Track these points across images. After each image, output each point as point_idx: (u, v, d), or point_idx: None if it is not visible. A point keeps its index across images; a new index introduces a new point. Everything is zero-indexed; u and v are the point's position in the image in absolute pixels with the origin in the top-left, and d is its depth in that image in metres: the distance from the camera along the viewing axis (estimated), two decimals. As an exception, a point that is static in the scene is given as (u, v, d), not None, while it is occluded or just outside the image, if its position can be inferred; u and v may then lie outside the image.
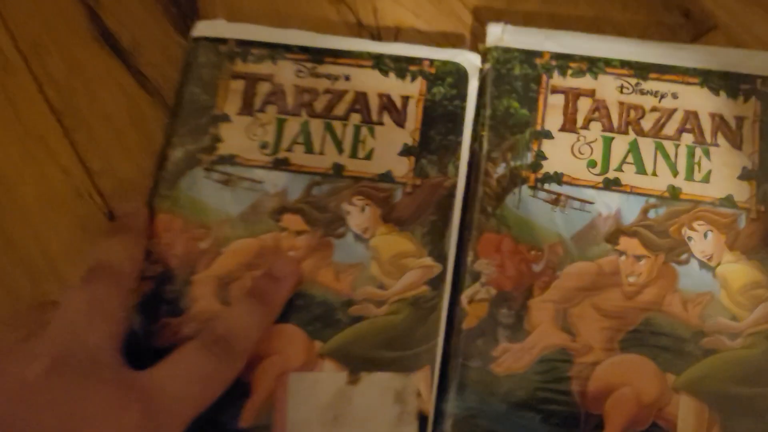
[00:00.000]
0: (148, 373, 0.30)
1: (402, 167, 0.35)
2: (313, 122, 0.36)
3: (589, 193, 0.35)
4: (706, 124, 0.35)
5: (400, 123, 0.36)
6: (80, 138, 0.40)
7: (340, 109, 0.36)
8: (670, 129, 0.35)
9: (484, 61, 0.37)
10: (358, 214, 0.35)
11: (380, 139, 0.36)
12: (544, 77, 0.36)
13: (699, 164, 0.35)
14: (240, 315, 0.33)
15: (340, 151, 0.36)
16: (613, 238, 0.34)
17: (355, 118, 0.36)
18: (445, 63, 0.37)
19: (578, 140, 0.35)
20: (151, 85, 0.40)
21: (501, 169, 0.35)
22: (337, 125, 0.36)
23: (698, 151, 0.35)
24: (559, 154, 0.35)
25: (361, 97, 0.36)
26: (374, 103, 0.36)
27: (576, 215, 0.34)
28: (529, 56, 0.37)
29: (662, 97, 0.36)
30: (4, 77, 0.41)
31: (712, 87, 0.36)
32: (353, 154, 0.35)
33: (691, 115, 0.35)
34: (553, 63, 0.36)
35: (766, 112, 0.35)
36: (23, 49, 0.42)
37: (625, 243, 0.34)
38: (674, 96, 0.36)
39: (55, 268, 0.38)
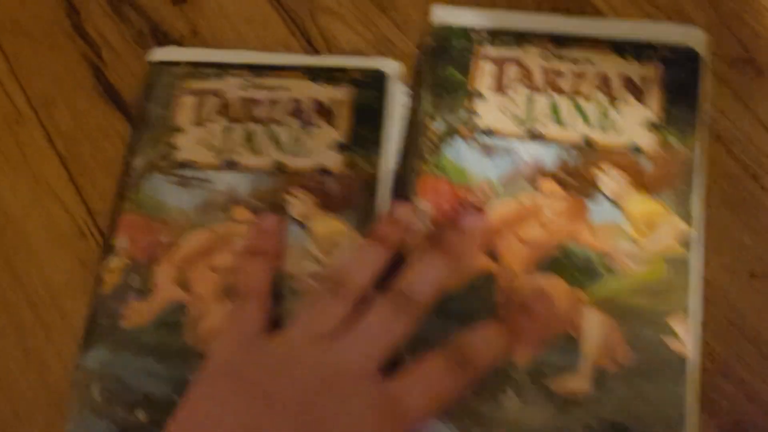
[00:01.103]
0: (397, 383, 0.34)
1: (334, 161, 0.41)
2: (256, 127, 0.42)
3: (514, 144, 0.40)
4: (616, 84, 0.41)
5: (333, 123, 0.42)
6: (84, 182, 0.44)
7: (279, 115, 0.42)
8: (585, 89, 0.41)
9: (429, 36, 0.43)
10: (297, 204, 0.40)
11: (315, 138, 0.42)
12: (477, 47, 0.42)
13: (609, 118, 0.40)
14: (486, 337, 0.36)
15: (281, 150, 0.41)
16: (533, 180, 0.40)
17: (292, 122, 0.42)
18: (368, 70, 0.43)
19: (505, 99, 0.41)
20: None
21: (439, 125, 0.41)
22: (276, 129, 0.42)
23: (609, 107, 0.41)
24: (490, 111, 0.41)
25: (296, 103, 0.42)
26: (309, 107, 0.42)
27: (503, 162, 0.40)
28: (465, 31, 0.43)
29: (578, 61, 0.41)
30: (16, 128, 0.46)
31: (621, 53, 0.41)
32: (291, 153, 0.41)
33: (603, 77, 0.41)
34: (486, 36, 0.42)
35: (668, 72, 0.41)
36: (34, 104, 0.47)
37: (545, 184, 0.40)
38: (589, 61, 0.41)
39: (56, 300, 0.42)
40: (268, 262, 0.39)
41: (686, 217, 0.38)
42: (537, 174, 0.40)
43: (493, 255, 0.39)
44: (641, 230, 0.38)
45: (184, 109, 0.43)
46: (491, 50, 0.42)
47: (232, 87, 0.43)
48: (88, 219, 0.44)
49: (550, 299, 0.37)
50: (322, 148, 0.41)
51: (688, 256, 0.38)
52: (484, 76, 0.42)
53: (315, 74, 0.43)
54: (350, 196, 0.40)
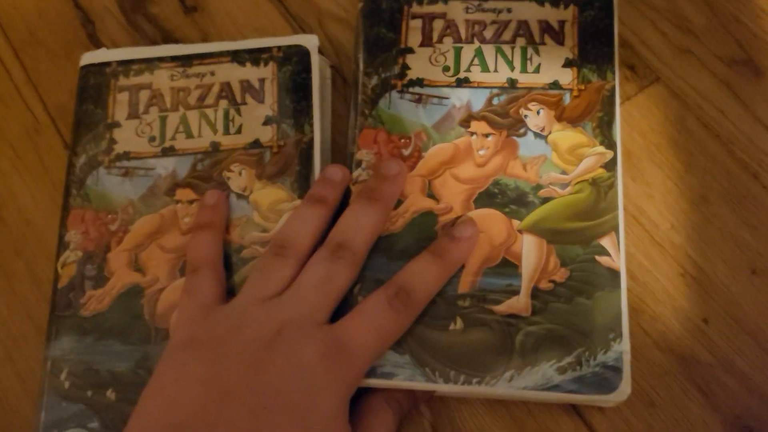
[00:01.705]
0: (340, 325, 0.36)
1: (267, 134, 0.43)
2: (190, 113, 0.44)
3: (444, 91, 0.43)
4: (535, 29, 0.44)
5: (261, 100, 0.44)
6: None
7: (210, 99, 0.44)
8: (507, 35, 0.44)
9: (360, 0, 0.46)
10: (237, 178, 0.43)
11: (246, 115, 0.44)
12: (405, 7, 0.45)
13: (531, 60, 0.43)
14: (419, 269, 0.38)
15: (215, 131, 0.44)
16: (465, 122, 0.42)
17: (223, 103, 0.44)
18: (289, 47, 0.45)
19: (434, 52, 0.44)
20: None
21: (374, 80, 0.43)
22: (209, 112, 0.44)
23: (530, 50, 0.43)
24: (420, 64, 0.44)
25: (226, 86, 0.45)
26: (237, 88, 0.44)
27: (435, 109, 0.43)
28: (394, -8, 0.45)
29: (499, 11, 0.44)
30: (35, 137, 0.48)
31: (539, 0, 0.44)
32: (226, 131, 0.44)
33: (523, 23, 0.44)
34: (416, -5, 0.45)
35: (583, 14, 0.44)
36: (51, 112, 0.48)
37: (475, 125, 0.42)
38: (509, 10, 0.44)
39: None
40: (215, 234, 0.41)
41: (609, 144, 0.41)
42: (468, 117, 0.42)
43: (432, 194, 0.41)
44: (568, 159, 0.41)
45: (119, 105, 0.45)
46: (418, 8, 0.45)
47: (163, 79, 0.45)
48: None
49: (473, 224, 0.40)
50: (253, 124, 0.44)
51: (613, 178, 0.40)
52: (414, 32, 0.44)
53: (240, 57, 0.45)
54: (286, 164, 0.43)
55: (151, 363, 0.39)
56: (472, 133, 0.42)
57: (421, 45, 0.44)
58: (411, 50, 0.44)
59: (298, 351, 0.35)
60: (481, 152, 0.42)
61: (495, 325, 0.38)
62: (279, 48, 0.45)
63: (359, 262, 0.38)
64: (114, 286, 0.41)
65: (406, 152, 0.42)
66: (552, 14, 0.44)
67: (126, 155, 0.44)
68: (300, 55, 0.45)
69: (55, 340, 0.40)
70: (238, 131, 0.44)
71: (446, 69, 0.43)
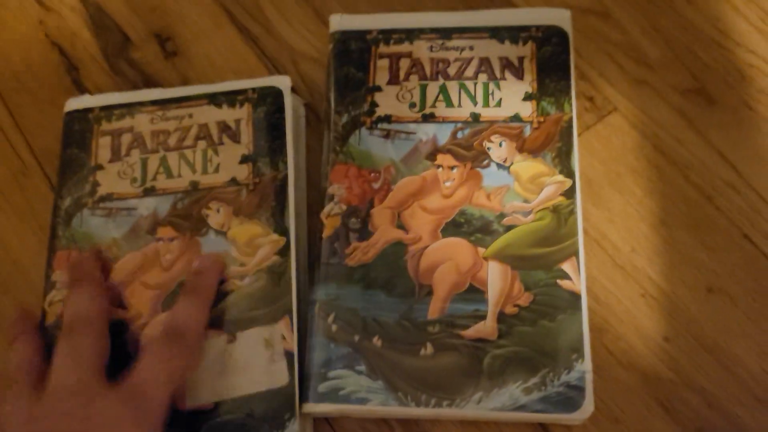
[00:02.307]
0: (132, 373, 0.38)
1: (243, 172, 0.45)
2: (170, 155, 0.46)
3: (411, 126, 0.45)
4: (496, 65, 0.46)
5: (237, 140, 0.46)
6: None
7: (189, 140, 0.46)
8: (470, 72, 0.46)
9: (330, 42, 0.48)
10: (215, 215, 0.44)
11: (223, 155, 0.46)
12: (373, 48, 0.47)
13: (492, 95, 0.45)
14: (182, 309, 0.41)
15: (194, 171, 0.45)
16: (431, 156, 0.44)
17: (202, 144, 0.46)
18: (263, 88, 0.47)
19: (401, 89, 0.46)
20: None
21: (345, 118, 0.46)
22: (188, 153, 0.46)
23: (491, 85, 0.45)
24: (388, 101, 0.46)
25: (203, 128, 0.46)
26: (214, 129, 0.46)
27: (403, 143, 0.45)
28: (361, 34, 0.47)
29: (462, 50, 0.46)
30: (22, 179, 0.49)
31: (499, 38, 0.46)
32: (204, 171, 0.45)
33: (485, 60, 0.46)
34: (380, 36, 0.47)
35: (540, 50, 0.46)
36: (38, 156, 0.50)
37: (441, 158, 0.44)
38: (471, 48, 0.46)
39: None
40: (91, 290, 0.42)
41: (568, 173, 0.43)
42: (434, 150, 0.44)
43: (401, 225, 0.43)
44: (529, 188, 0.43)
45: (102, 149, 0.47)
46: (385, 48, 0.47)
47: (143, 123, 0.47)
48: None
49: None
50: (230, 163, 0.46)
51: (573, 205, 0.42)
52: (381, 71, 0.47)
53: (217, 100, 0.47)
54: (262, 200, 0.44)
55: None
56: (438, 166, 0.44)
57: (389, 83, 0.46)
58: (379, 88, 0.46)
59: (98, 417, 0.37)
60: (447, 184, 0.44)
61: (463, 349, 0.40)
62: (254, 90, 0.47)
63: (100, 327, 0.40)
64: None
65: (376, 185, 0.44)
66: (512, 51, 0.46)
67: (109, 197, 0.45)
68: (273, 96, 0.47)
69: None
70: (216, 170, 0.45)
71: (413, 105, 0.45)
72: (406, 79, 0.46)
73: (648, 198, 0.45)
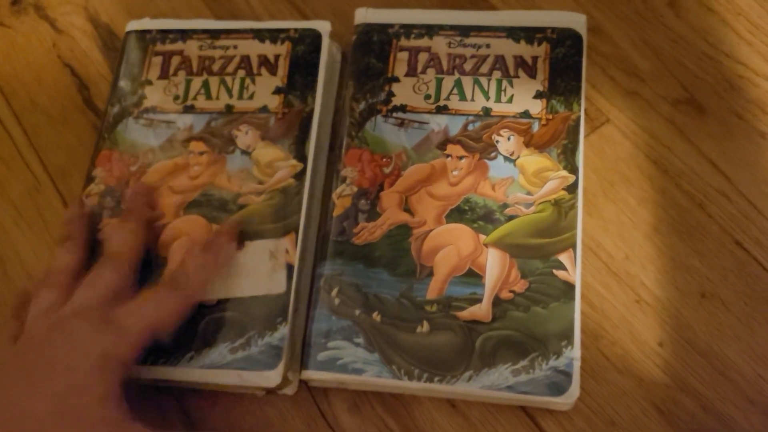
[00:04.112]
0: (118, 308, 0.40)
1: (274, 102, 0.49)
2: (211, 79, 0.50)
3: (425, 117, 0.47)
4: (510, 63, 0.48)
5: (273, 72, 0.50)
6: None
7: (230, 68, 0.50)
8: (484, 69, 0.48)
9: (354, 34, 0.50)
10: (243, 137, 0.48)
11: (259, 84, 0.50)
12: (394, 41, 0.49)
13: (505, 91, 0.47)
14: (194, 266, 0.43)
15: (231, 95, 0.50)
16: (442, 145, 0.46)
17: (241, 73, 0.50)
18: (305, 29, 0.51)
19: (418, 81, 0.48)
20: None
21: (362, 105, 0.48)
22: (228, 79, 0.50)
23: (504, 82, 0.47)
24: (404, 92, 0.48)
25: (245, 59, 0.51)
26: (255, 61, 0.50)
27: (415, 132, 0.47)
28: (383, 27, 0.50)
29: (479, 47, 0.48)
30: (36, 195, 0.51)
31: (515, 38, 0.48)
32: (240, 97, 0.49)
33: (500, 58, 0.48)
34: (401, 30, 0.50)
35: (554, 51, 0.48)
36: (51, 173, 0.52)
37: (451, 148, 0.46)
38: (487, 46, 0.48)
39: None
40: (136, 227, 0.45)
41: (571, 169, 0.45)
42: (445, 140, 0.46)
43: (408, 209, 0.45)
44: (533, 182, 0.45)
45: (153, 67, 0.51)
46: (406, 42, 0.49)
47: (193, 48, 0.52)
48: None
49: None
50: (264, 93, 0.50)
51: (574, 200, 0.44)
52: (400, 63, 0.49)
53: (261, 35, 0.51)
54: (288, 129, 0.48)
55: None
56: (447, 155, 0.46)
57: (407, 75, 0.48)
58: (397, 79, 0.48)
59: (76, 334, 0.39)
60: (455, 173, 0.45)
61: (458, 329, 0.42)
62: (296, 30, 0.51)
63: (125, 266, 0.43)
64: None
65: (387, 170, 0.46)
66: (526, 50, 0.48)
67: (153, 109, 0.50)
68: (313, 38, 0.50)
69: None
70: (251, 97, 0.49)
71: (428, 97, 0.48)
72: (424, 72, 0.48)
73: (641, 206, 0.46)
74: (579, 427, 0.42)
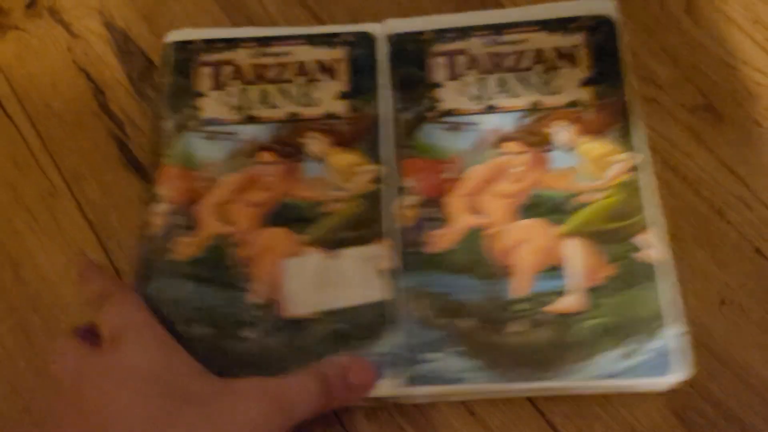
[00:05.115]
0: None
1: (341, 107, 0.48)
2: (269, 87, 0.49)
3: (475, 118, 0.47)
4: (550, 55, 0.48)
5: (334, 77, 0.49)
6: (112, 246, 0.49)
7: (288, 75, 0.49)
8: (525, 63, 0.48)
9: (387, 45, 0.50)
10: (313, 144, 0.47)
11: (321, 90, 0.49)
12: (429, 47, 0.49)
13: (550, 83, 0.47)
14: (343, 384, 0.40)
15: (293, 103, 0.48)
16: (497, 144, 0.46)
17: (300, 79, 0.49)
18: (358, 33, 0.50)
19: (461, 84, 0.48)
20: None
21: (409, 115, 0.47)
22: (287, 86, 0.49)
23: (548, 74, 0.48)
24: (449, 96, 0.48)
25: (302, 65, 0.49)
26: (312, 67, 0.49)
27: (468, 134, 0.46)
28: (415, 35, 0.49)
29: (515, 43, 0.49)
30: (51, 201, 0.50)
31: (550, 30, 0.49)
32: (303, 104, 0.48)
33: (539, 52, 0.48)
34: (434, 36, 0.49)
35: (592, 36, 0.48)
36: (66, 178, 0.51)
37: (507, 146, 0.46)
38: (524, 41, 0.49)
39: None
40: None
41: (631, 149, 0.45)
42: (500, 139, 0.46)
43: (478, 212, 0.45)
44: (596, 168, 0.45)
45: (203, 78, 0.50)
46: (441, 46, 0.49)
47: (244, 57, 0.50)
48: (116, 278, 0.47)
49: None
50: (328, 98, 0.48)
51: (638, 178, 0.44)
52: (439, 68, 0.48)
53: (314, 40, 0.50)
54: (358, 134, 0.47)
55: None
56: (505, 153, 0.46)
57: (449, 79, 0.48)
58: (439, 85, 0.48)
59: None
60: (516, 169, 0.45)
61: (552, 323, 0.41)
62: (348, 33, 0.50)
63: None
64: (203, 234, 0.45)
65: (447, 176, 0.45)
66: (564, 41, 0.48)
67: (211, 121, 0.48)
68: (367, 40, 0.50)
69: (150, 281, 0.43)
70: (315, 104, 0.48)
71: (474, 98, 0.47)
72: (465, 74, 0.48)
73: (660, 214, 0.46)
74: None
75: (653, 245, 0.43)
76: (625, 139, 0.45)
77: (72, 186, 0.51)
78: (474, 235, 0.44)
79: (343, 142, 0.47)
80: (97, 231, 0.49)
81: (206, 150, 0.47)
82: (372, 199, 0.45)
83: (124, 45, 0.55)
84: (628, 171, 0.44)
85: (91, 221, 0.49)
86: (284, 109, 0.48)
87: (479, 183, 0.45)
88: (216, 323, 0.42)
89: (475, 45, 0.49)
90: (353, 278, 0.43)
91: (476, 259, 0.43)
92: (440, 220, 0.45)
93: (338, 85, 0.49)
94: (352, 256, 0.44)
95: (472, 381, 0.41)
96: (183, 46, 0.51)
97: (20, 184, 0.51)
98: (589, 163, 0.45)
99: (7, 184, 0.51)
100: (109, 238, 0.49)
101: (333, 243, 0.44)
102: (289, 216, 0.45)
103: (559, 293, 0.42)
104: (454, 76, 0.48)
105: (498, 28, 0.49)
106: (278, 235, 0.44)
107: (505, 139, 0.46)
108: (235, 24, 0.54)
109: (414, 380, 0.41)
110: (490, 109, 0.47)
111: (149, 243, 0.45)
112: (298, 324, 0.42)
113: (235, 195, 0.46)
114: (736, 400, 0.42)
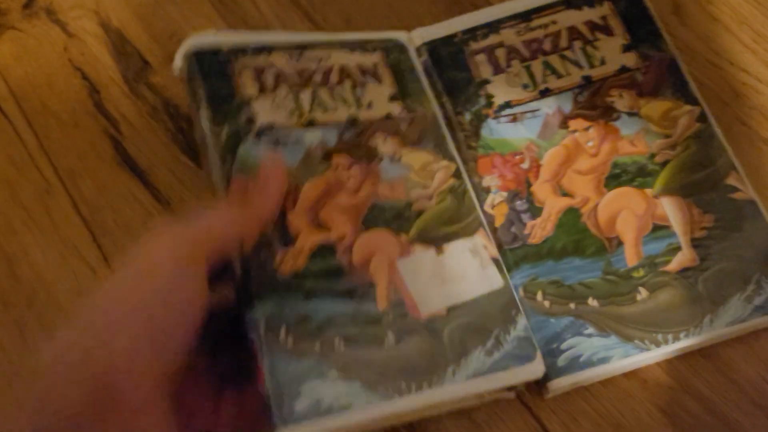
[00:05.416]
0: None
1: (396, 108, 0.47)
2: (321, 90, 0.46)
3: (533, 105, 0.47)
4: (584, 30, 0.49)
5: (379, 80, 0.47)
6: (106, 243, 0.48)
7: (334, 79, 0.47)
8: (563, 43, 0.48)
9: (419, 55, 0.49)
10: (384, 145, 0.45)
11: (372, 93, 0.47)
12: (464, 47, 0.49)
13: (593, 56, 0.48)
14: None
15: (349, 106, 0.46)
16: (563, 124, 0.46)
17: (348, 83, 0.47)
18: (386, 40, 0.49)
19: (509, 75, 0.48)
20: (162, 197, 0.49)
21: (467, 116, 0.47)
22: (339, 89, 0.47)
23: (589, 48, 0.48)
24: (501, 89, 0.48)
25: (344, 69, 0.47)
26: (355, 71, 0.47)
27: (532, 122, 0.47)
28: (447, 39, 0.49)
29: (546, 26, 0.49)
30: (46, 198, 0.50)
31: (575, 6, 0.49)
32: (359, 106, 0.46)
33: (571, 29, 0.49)
34: (465, 36, 0.49)
35: (618, 5, 0.49)
36: (61, 176, 0.50)
37: (574, 124, 0.46)
38: (554, 23, 0.49)
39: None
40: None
41: (692, 101, 0.46)
42: (564, 119, 0.46)
43: (565, 193, 0.44)
44: (665, 125, 0.46)
45: (248, 81, 0.46)
46: (476, 44, 0.49)
47: (282, 61, 0.47)
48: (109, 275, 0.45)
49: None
50: (381, 100, 0.47)
51: (711, 127, 0.45)
52: (482, 65, 0.48)
53: (348, 46, 0.48)
54: (422, 133, 0.46)
55: None
56: (573, 131, 0.46)
57: (495, 73, 0.48)
58: (488, 81, 0.48)
59: None
60: (589, 143, 0.45)
61: (675, 282, 0.42)
62: (379, 40, 0.49)
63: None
64: (305, 245, 0.41)
65: (524, 166, 0.45)
66: (593, 14, 0.49)
67: (270, 126, 0.44)
68: (398, 46, 0.49)
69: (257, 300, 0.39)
70: (370, 106, 0.46)
71: (526, 86, 0.47)
72: (509, 65, 0.48)
73: None
74: (585, 429, 0.42)
75: (741, 185, 0.44)
76: (682, 92, 0.46)
77: (67, 184, 0.50)
78: (570, 217, 0.44)
79: (410, 141, 0.46)
80: (92, 228, 0.48)
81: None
82: (457, 193, 0.44)
83: (120, 45, 0.54)
84: (696, 121, 0.45)
85: (85, 219, 0.49)
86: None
87: (559, 165, 0.45)
88: (347, 335, 0.39)
89: (508, 36, 0.49)
90: (467, 270, 0.42)
91: (579, 238, 0.43)
92: (532, 210, 0.44)
93: (386, 87, 0.48)
94: (458, 249, 0.43)
95: (616, 358, 0.40)
96: (214, 52, 0.47)
97: (16, 182, 0.50)
98: (657, 121, 0.46)
99: (4, 181, 0.50)
100: (104, 235, 0.48)
101: (435, 239, 0.43)
102: (384, 217, 0.43)
103: (672, 251, 0.42)
104: (499, 70, 0.48)
105: (525, 15, 0.49)
106: (384, 236, 0.43)
107: (570, 117, 0.46)
108: (230, 25, 0.54)
109: (560, 371, 0.40)
110: (545, 93, 0.47)
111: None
112: (432, 323, 0.40)
113: (323, 200, 0.43)
114: (721, 396, 0.42)
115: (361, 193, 0.43)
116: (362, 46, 0.49)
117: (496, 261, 0.43)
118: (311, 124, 0.46)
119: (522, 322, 0.41)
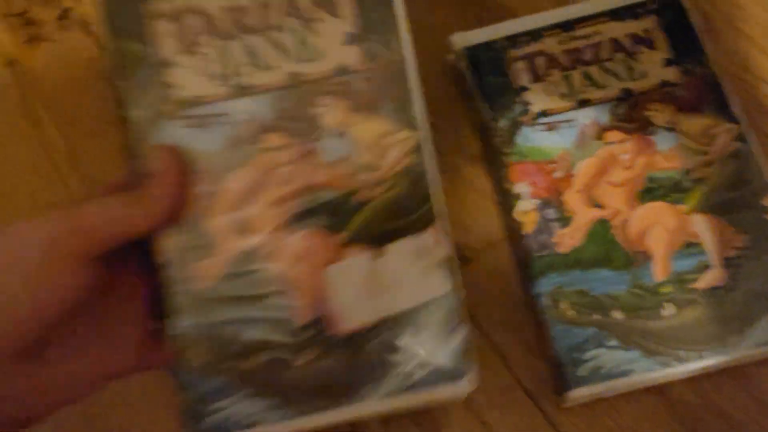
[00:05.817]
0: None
1: (353, 56, 0.37)
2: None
3: (569, 114, 0.47)
4: (626, 42, 0.48)
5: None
6: None
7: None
8: (604, 54, 0.48)
9: (460, 60, 0.50)
10: (329, 113, 0.37)
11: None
12: (504, 54, 0.49)
13: (634, 69, 0.48)
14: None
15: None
16: (599, 135, 0.46)
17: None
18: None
19: (547, 84, 0.48)
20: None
21: (503, 123, 0.47)
22: (278, 35, 0.37)
23: (630, 61, 0.48)
24: (538, 97, 0.48)
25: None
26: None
27: (567, 131, 0.46)
28: (488, 45, 0.49)
29: (589, 36, 0.49)
30: None
31: (619, 18, 0.49)
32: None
33: (614, 41, 0.48)
34: (507, 43, 0.49)
35: (662, 18, 0.49)
36: (88, 185, 0.51)
37: (609, 135, 0.46)
38: (597, 33, 0.49)
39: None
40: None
41: (730, 119, 0.45)
42: (600, 130, 0.46)
43: (597, 205, 0.44)
44: (701, 141, 0.45)
45: (165, 38, 0.37)
46: (516, 52, 0.49)
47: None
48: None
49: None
50: (334, 45, 0.37)
51: (749, 146, 0.45)
52: (521, 73, 0.49)
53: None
54: (382, 90, 0.37)
55: None
56: (610, 143, 0.46)
57: (533, 81, 0.48)
58: (526, 88, 0.48)
59: None
60: (625, 156, 0.45)
61: (702, 300, 0.41)
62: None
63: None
64: (224, 254, 0.36)
65: (557, 175, 0.45)
66: (636, 26, 0.49)
67: (192, 101, 0.36)
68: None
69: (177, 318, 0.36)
70: (317, 56, 0.37)
71: (563, 96, 0.47)
72: (548, 74, 0.48)
73: None
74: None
75: (781, 204, 0.43)
76: (722, 109, 0.46)
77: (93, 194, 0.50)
78: (600, 228, 0.44)
79: (364, 105, 0.37)
80: None
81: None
82: (414, 176, 0.37)
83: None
84: (734, 140, 0.45)
85: None
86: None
87: (592, 176, 0.45)
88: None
89: (550, 44, 0.49)
90: (405, 277, 0.36)
91: (608, 250, 0.43)
92: (562, 220, 0.44)
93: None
94: (398, 251, 0.37)
95: (636, 372, 0.40)
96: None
97: (41, 191, 0.51)
98: (692, 137, 0.45)
99: (28, 192, 0.51)
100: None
101: (380, 238, 0.37)
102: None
103: (701, 269, 0.42)
104: (537, 78, 0.48)
105: (568, 25, 0.49)
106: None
107: (606, 129, 0.46)
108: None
109: (580, 381, 0.41)
110: (583, 104, 0.47)
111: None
112: (356, 339, 0.36)
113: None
114: (745, 414, 0.42)
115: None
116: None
117: (446, 261, 0.37)
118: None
119: (462, 331, 0.36)
